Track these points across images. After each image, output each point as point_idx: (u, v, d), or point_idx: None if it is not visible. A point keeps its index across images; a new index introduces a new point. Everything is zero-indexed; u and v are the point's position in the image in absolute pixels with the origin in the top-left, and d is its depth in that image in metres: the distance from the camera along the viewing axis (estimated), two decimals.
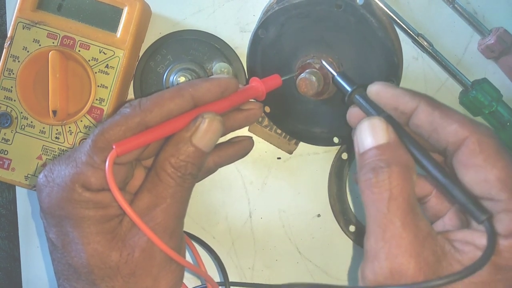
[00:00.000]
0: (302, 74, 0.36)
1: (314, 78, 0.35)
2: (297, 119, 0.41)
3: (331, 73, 0.35)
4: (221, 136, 0.30)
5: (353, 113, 0.31)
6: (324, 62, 0.36)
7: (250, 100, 0.34)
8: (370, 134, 0.27)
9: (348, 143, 0.42)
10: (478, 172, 0.25)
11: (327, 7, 0.35)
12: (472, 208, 0.25)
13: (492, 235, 0.24)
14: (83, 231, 0.28)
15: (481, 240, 0.25)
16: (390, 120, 0.28)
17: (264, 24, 0.38)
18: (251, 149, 0.37)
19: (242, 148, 0.37)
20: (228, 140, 0.37)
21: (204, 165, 0.30)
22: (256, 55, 0.39)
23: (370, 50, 0.36)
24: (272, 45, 0.39)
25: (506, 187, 0.24)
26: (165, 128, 0.28)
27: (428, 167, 0.27)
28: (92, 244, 0.28)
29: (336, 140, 0.41)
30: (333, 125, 0.41)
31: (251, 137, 0.37)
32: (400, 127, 0.28)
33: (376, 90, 0.29)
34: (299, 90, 0.36)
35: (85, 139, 0.40)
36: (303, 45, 0.38)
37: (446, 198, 0.30)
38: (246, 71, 0.42)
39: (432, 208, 0.30)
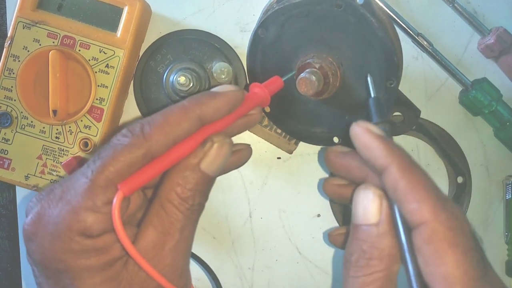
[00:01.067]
0: (302, 74, 0.36)
1: (314, 78, 0.35)
2: (297, 119, 0.41)
3: (369, 93, 0.33)
4: None
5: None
6: (369, 79, 0.34)
7: None
8: (362, 209, 0.26)
9: (348, 143, 0.42)
10: (426, 265, 0.24)
11: (327, 7, 0.35)
12: None
13: None
14: (85, 283, 0.25)
15: None
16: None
17: (264, 23, 0.38)
18: (249, 158, 0.34)
19: (240, 158, 0.34)
20: None
21: (210, 191, 0.28)
22: (256, 55, 0.40)
23: (370, 49, 0.36)
24: (272, 45, 0.39)
25: (449, 286, 0.23)
26: (172, 157, 0.26)
27: (408, 263, 0.26)
28: None
29: (336, 140, 0.41)
30: (333, 125, 0.40)
31: (250, 145, 0.34)
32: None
33: (355, 134, 0.27)
34: (299, 90, 0.36)
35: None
36: (303, 45, 0.38)
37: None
38: (246, 71, 0.42)
39: None
